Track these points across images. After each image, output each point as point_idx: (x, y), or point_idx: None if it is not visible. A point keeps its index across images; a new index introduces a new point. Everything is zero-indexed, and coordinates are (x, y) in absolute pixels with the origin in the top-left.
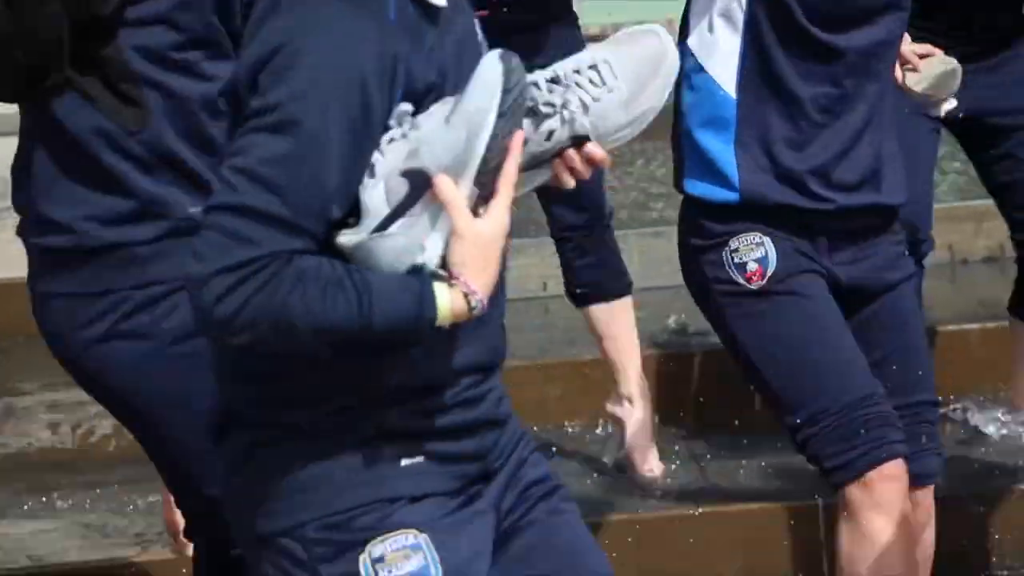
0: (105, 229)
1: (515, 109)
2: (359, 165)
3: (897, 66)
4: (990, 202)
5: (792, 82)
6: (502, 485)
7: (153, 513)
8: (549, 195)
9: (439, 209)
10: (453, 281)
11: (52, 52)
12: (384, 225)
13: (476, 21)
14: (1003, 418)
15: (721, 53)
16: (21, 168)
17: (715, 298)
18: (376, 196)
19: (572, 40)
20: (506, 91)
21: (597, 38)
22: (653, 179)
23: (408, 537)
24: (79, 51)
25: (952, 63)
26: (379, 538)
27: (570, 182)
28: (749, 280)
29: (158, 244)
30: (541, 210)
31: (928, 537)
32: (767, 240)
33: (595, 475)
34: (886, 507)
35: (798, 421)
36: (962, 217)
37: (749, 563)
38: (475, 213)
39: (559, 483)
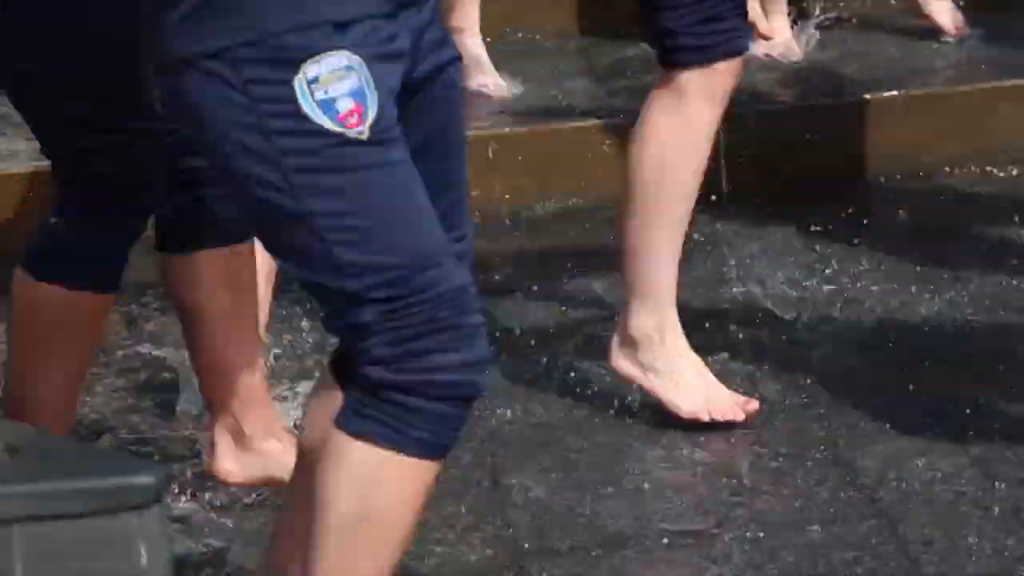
0: None
1: None
2: None
3: None
4: None
5: None
6: (418, 30)
7: None
8: None
9: None
10: None
11: None
12: None
13: None
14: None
15: None
16: None
17: None
18: None
19: None
20: None
21: None
22: None
23: (342, 58)
24: None
25: None
26: (313, 59)
27: None
28: None
29: None
30: None
31: None
32: None
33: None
34: (719, 98)
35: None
36: None
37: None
38: None
39: (456, 51)
